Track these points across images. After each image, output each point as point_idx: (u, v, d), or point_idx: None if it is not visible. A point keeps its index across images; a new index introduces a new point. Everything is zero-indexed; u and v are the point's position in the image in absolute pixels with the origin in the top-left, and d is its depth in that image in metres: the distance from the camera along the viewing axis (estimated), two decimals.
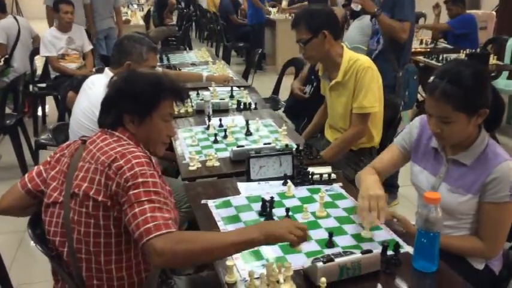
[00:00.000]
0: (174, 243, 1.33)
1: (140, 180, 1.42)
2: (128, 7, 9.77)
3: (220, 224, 1.80)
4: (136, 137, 1.61)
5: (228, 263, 1.47)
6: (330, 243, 1.65)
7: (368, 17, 3.89)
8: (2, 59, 5.27)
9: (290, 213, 1.82)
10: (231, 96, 3.53)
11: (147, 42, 2.59)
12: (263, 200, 1.86)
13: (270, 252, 1.61)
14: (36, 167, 1.69)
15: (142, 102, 1.60)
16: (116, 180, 1.44)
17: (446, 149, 1.80)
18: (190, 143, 2.62)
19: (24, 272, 2.88)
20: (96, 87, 2.51)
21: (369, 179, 1.81)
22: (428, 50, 5.68)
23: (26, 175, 1.68)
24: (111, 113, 1.62)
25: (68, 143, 1.68)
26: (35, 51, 5.25)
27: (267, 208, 1.84)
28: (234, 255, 1.57)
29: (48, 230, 1.58)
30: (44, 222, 1.60)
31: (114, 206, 1.46)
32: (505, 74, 5.40)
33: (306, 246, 1.62)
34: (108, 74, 2.54)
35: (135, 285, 1.56)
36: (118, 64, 2.55)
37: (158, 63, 3.82)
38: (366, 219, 1.68)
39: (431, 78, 1.67)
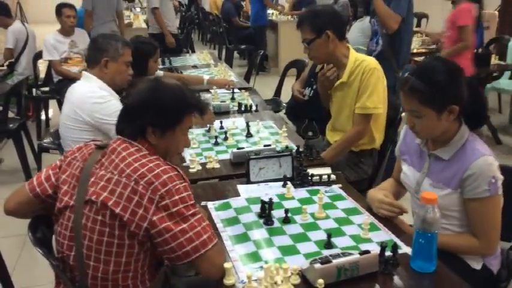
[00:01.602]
0: (223, 253, 1.51)
1: (177, 197, 1.44)
2: (131, 10, 9.81)
3: (219, 226, 1.81)
4: (155, 148, 1.60)
5: (226, 265, 1.47)
6: (328, 245, 1.65)
7: (368, 18, 3.90)
8: (6, 63, 5.31)
9: (289, 215, 1.83)
10: (232, 98, 3.54)
11: (121, 38, 2.65)
12: (262, 202, 1.87)
13: (269, 254, 1.62)
14: (45, 170, 1.67)
15: (167, 117, 1.60)
16: (147, 196, 1.43)
17: (429, 144, 1.83)
18: (191, 145, 2.63)
19: (27, 275, 2.90)
20: (75, 91, 2.56)
21: (371, 194, 1.91)
22: (430, 51, 5.66)
23: (35, 178, 1.66)
24: (134, 124, 1.60)
25: (78, 146, 1.67)
26: (38, 56, 5.29)
27: (266, 210, 1.84)
28: (233, 258, 1.59)
29: (59, 232, 1.57)
30: (55, 223, 1.60)
31: (131, 222, 1.44)
32: (507, 74, 5.37)
33: (304, 248, 1.63)
34: (86, 75, 2.57)
35: None
36: (95, 63, 2.55)
37: (160, 66, 3.85)
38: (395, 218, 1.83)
39: (406, 73, 1.72)
